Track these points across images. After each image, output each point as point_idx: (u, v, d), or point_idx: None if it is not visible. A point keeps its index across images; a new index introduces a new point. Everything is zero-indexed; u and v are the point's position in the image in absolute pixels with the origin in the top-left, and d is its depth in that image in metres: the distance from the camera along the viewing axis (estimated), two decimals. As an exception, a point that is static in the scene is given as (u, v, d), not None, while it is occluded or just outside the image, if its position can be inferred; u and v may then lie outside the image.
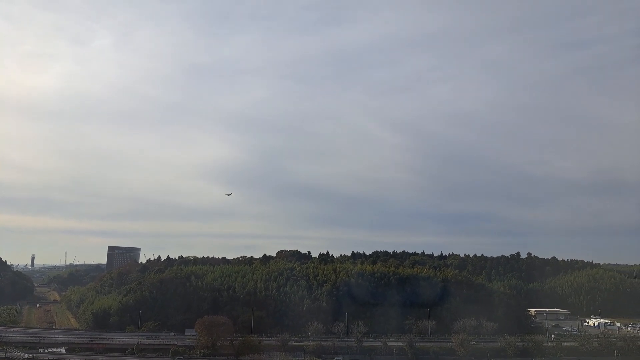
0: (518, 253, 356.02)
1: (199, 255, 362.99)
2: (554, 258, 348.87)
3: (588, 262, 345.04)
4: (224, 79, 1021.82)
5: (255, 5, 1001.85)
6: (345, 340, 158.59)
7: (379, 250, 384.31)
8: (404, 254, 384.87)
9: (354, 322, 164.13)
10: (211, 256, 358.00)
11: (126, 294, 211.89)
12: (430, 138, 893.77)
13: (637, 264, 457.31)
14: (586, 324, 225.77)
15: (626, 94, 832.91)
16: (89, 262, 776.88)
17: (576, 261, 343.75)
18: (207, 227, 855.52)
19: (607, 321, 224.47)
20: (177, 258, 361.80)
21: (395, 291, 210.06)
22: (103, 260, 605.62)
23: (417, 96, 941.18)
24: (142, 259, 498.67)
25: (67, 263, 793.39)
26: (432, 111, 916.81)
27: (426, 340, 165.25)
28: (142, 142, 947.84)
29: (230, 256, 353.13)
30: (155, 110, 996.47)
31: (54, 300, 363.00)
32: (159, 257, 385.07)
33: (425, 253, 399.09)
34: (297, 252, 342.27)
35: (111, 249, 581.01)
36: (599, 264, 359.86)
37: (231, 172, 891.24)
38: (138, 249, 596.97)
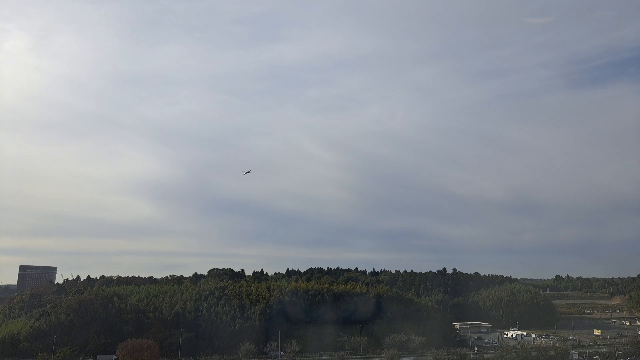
0: (445, 269, 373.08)
1: (123, 275, 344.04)
2: (476, 273, 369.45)
3: (507, 277, 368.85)
4: (152, 89, 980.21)
5: (186, 16, 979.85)
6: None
7: (314, 267, 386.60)
8: (339, 271, 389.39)
9: (287, 341, 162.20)
10: (137, 275, 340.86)
11: (39, 318, 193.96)
12: (363, 156, 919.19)
13: (550, 278, 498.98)
14: (505, 335, 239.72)
15: (540, 120, 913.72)
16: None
17: (496, 276, 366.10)
18: (132, 245, 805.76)
19: (523, 333, 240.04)
20: (98, 278, 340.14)
21: (329, 308, 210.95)
22: (13, 280, 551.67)
23: (350, 115, 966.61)
24: (59, 279, 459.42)
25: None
26: (365, 130, 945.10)
27: (358, 356, 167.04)
28: (59, 153, 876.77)
29: (158, 275, 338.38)
30: (75, 120, 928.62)
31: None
32: (78, 277, 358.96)
33: (359, 269, 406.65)
34: (230, 270, 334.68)
35: (23, 269, 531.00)
36: (516, 278, 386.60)
37: (159, 187, 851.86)
38: (54, 269, 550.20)
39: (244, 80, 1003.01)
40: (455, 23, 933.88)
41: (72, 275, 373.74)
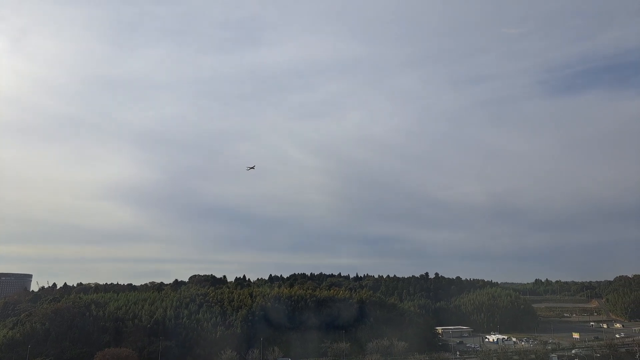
0: (427, 273, 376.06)
1: (102, 282, 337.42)
2: (458, 278, 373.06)
3: (488, 281, 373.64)
4: (131, 93, 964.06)
5: (168, 19, 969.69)
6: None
7: (297, 273, 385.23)
8: (322, 276, 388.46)
9: (270, 348, 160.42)
10: (115, 283, 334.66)
11: (12, 327, 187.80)
12: (346, 161, 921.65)
13: (530, 282, 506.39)
14: (487, 339, 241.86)
15: (518, 126, 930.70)
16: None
17: (478, 280, 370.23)
18: (111, 251, 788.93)
19: (504, 337, 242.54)
20: (75, 285, 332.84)
21: (313, 314, 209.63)
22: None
23: (332, 120, 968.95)
24: (34, 287, 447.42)
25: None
26: (347, 135, 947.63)
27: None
28: (35, 157, 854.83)
29: (137, 282, 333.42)
30: (51, 123, 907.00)
31: None
32: (54, 285, 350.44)
33: (342, 274, 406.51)
34: (212, 276, 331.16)
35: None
36: (497, 283, 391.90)
37: (139, 193, 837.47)
38: (29, 276, 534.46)
39: (225, 84, 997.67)
40: (435, 31, 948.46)
41: (48, 283, 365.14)
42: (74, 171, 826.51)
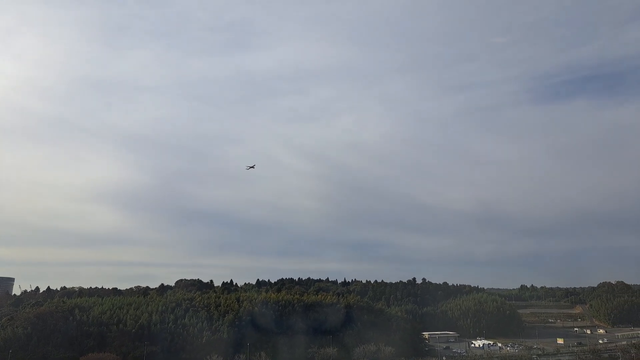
0: (414, 279, 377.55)
1: (86, 286, 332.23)
2: (445, 283, 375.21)
3: (474, 287, 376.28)
4: (119, 95, 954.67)
5: (157, 21, 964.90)
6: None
7: (284, 278, 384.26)
8: (310, 281, 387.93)
9: (256, 353, 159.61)
10: (100, 287, 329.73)
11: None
12: (334, 166, 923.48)
13: (515, 288, 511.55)
14: (473, 345, 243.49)
15: (506, 133, 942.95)
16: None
17: (464, 286, 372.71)
18: (96, 255, 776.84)
19: (490, 342, 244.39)
20: (59, 289, 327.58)
21: (300, 319, 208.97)
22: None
23: (322, 125, 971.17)
24: (17, 291, 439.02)
25: None
26: (336, 140, 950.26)
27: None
28: (19, 159, 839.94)
29: (122, 286, 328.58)
30: (36, 125, 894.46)
31: None
32: (37, 288, 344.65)
33: (330, 279, 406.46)
34: (199, 281, 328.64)
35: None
36: (483, 288, 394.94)
37: (126, 195, 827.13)
38: (11, 279, 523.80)
39: (215, 88, 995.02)
40: (424, 37, 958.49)
41: (30, 287, 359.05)
42: (60, 173, 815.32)
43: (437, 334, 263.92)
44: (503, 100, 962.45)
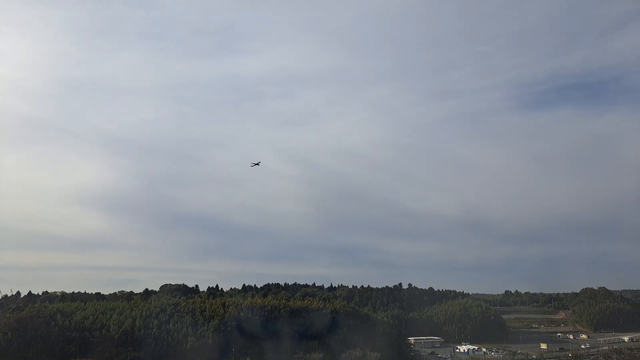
0: (400, 284, 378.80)
1: (68, 291, 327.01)
2: (430, 288, 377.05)
3: (460, 292, 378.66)
4: (105, 97, 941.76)
5: (144, 23, 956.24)
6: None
7: (270, 283, 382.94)
8: (296, 286, 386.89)
9: (242, 359, 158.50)
10: (83, 291, 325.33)
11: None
12: (322, 171, 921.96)
13: (500, 293, 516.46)
14: (457, 350, 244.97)
15: (491, 140, 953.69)
16: None
17: (450, 291, 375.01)
18: (79, 259, 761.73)
19: (475, 347, 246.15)
20: (40, 294, 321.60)
21: (286, 324, 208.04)
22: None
23: (310, 130, 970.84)
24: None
25: None
26: (325, 146, 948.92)
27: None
28: (0, 162, 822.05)
29: (105, 291, 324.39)
30: (18, 127, 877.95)
31: None
32: (18, 293, 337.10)
33: (316, 285, 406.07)
34: (184, 286, 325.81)
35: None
36: (468, 293, 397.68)
37: (110, 199, 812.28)
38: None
39: (202, 91, 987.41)
40: (412, 44, 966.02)
41: (11, 291, 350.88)
42: (42, 176, 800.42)
43: (423, 339, 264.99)
44: (489, 107, 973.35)
